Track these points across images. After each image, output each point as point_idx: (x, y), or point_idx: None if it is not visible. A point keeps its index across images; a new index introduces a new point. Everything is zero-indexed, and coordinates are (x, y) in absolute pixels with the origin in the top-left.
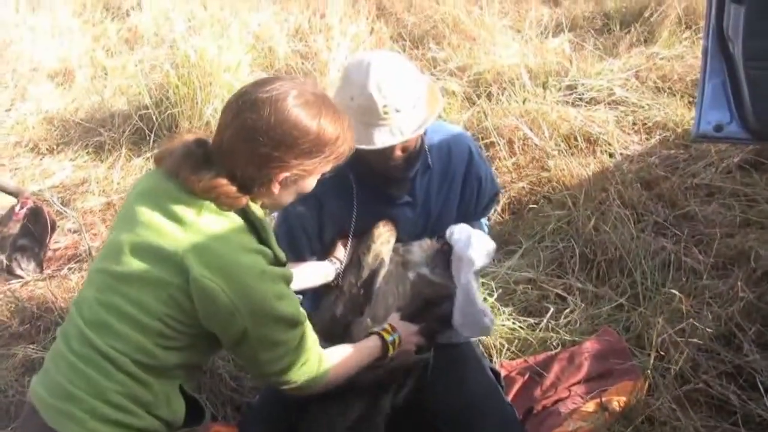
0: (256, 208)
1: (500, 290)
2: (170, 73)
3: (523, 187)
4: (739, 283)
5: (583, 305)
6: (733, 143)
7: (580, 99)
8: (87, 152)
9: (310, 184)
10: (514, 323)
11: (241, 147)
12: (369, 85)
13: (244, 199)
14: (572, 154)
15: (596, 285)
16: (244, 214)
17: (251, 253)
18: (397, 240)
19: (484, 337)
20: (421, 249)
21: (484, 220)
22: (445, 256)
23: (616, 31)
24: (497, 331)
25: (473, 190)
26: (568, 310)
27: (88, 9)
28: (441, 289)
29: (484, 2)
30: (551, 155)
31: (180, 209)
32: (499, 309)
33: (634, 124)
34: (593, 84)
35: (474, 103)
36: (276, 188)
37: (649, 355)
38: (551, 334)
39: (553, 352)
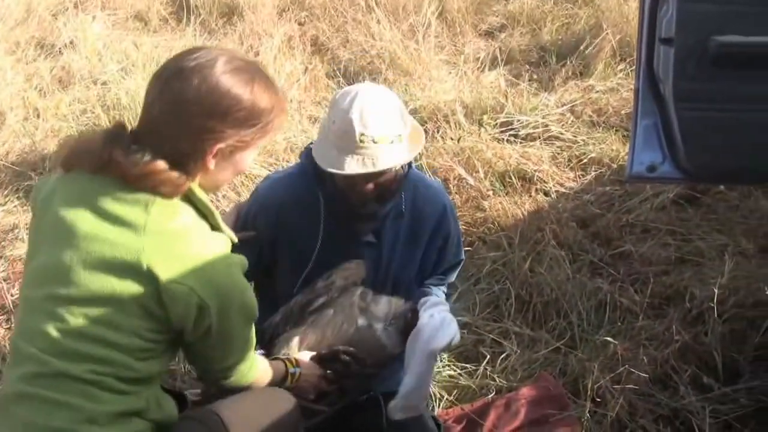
0: (199, 191)
1: None
2: (101, 117)
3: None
4: (674, 325)
5: (519, 350)
6: (667, 183)
7: (516, 136)
8: (17, 197)
9: (247, 159)
10: (452, 370)
11: (172, 120)
12: (351, 111)
13: (187, 183)
14: (507, 194)
15: (532, 328)
16: (189, 199)
17: (213, 243)
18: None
19: None
20: (389, 305)
21: (443, 289)
22: (406, 322)
23: (552, 64)
24: (435, 378)
25: (437, 248)
26: (504, 355)
27: (22, 46)
28: (380, 351)
29: (421, 37)
30: (486, 195)
31: (124, 211)
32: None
33: (570, 160)
34: (529, 120)
35: None
36: (211, 163)
37: (585, 401)
38: (488, 381)
39: (489, 399)
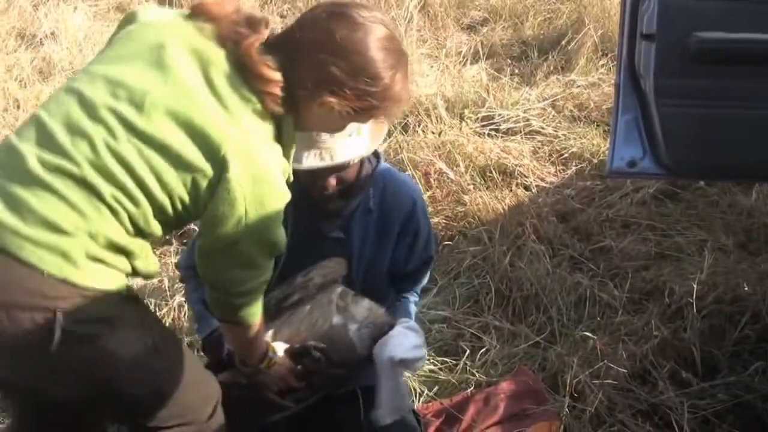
0: (289, 126)
1: None
2: None
3: (439, 223)
4: (653, 321)
5: (499, 345)
6: (647, 178)
7: (497, 130)
8: None
9: (339, 125)
10: (432, 365)
11: (312, 51)
12: None
13: (286, 109)
14: (488, 188)
15: (512, 322)
16: (278, 127)
17: (279, 171)
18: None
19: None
20: (368, 310)
21: (414, 301)
22: (381, 332)
23: (533, 59)
24: (419, 375)
25: (407, 244)
26: (484, 350)
27: (2, 37)
28: (350, 351)
29: (403, 30)
30: (467, 190)
31: (229, 94)
32: None
33: (551, 155)
34: (510, 114)
35: (389, 133)
36: (315, 108)
37: (564, 396)
38: (468, 375)
39: (468, 394)
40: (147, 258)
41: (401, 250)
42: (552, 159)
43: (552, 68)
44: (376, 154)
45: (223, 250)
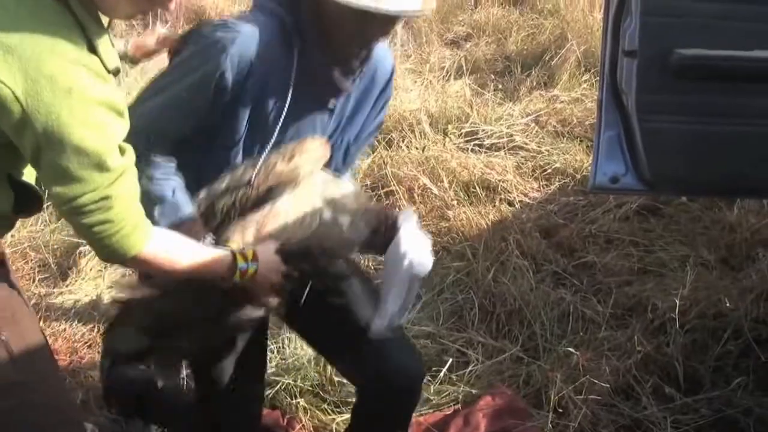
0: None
1: None
2: None
3: None
4: (636, 336)
5: (483, 360)
6: (630, 194)
7: (480, 146)
8: None
9: None
10: None
11: None
12: None
13: None
14: (472, 204)
15: (496, 338)
16: (69, 8)
17: (64, 63)
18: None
19: None
20: (356, 197)
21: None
22: (378, 220)
23: (517, 74)
24: None
25: (375, 111)
26: (468, 365)
27: None
28: (346, 246)
29: (387, 45)
30: (450, 205)
31: None
32: None
33: (534, 170)
34: (493, 130)
35: (373, 149)
36: None
37: (548, 412)
38: (451, 388)
39: (449, 411)
40: None
41: (372, 118)
42: (535, 174)
43: (535, 83)
44: None
45: (36, 161)
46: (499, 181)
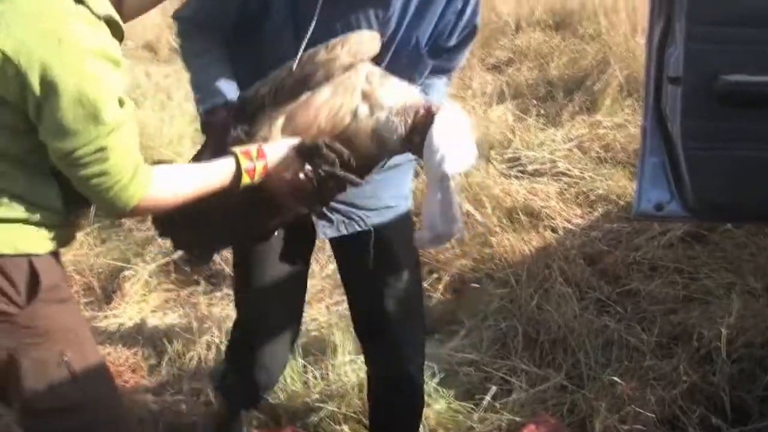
0: None
1: (442, 373)
2: None
3: (466, 264)
4: (682, 365)
5: (527, 387)
6: (674, 221)
7: (523, 171)
8: None
9: None
10: (458, 407)
11: None
12: None
13: None
14: (515, 230)
15: (540, 366)
16: None
17: (51, 16)
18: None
19: None
20: (400, 93)
21: (444, 82)
22: (416, 119)
23: (559, 99)
24: (439, 416)
25: (454, 11)
26: (512, 393)
27: None
28: (379, 146)
29: None
30: (494, 232)
31: None
32: (440, 393)
33: (577, 196)
34: (536, 155)
35: (416, 174)
36: None
37: None
38: (492, 415)
39: None
40: (37, 188)
41: (447, 18)
42: (579, 201)
43: (578, 108)
44: None
45: (39, 118)
46: (543, 207)
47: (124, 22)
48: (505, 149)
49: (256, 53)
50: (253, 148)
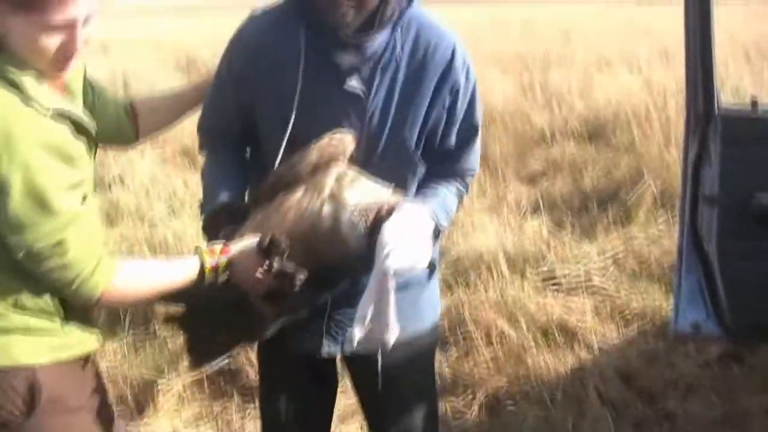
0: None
1: None
2: (147, 256)
3: (500, 382)
4: None
5: None
6: (711, 340)
7: (558, 286)
8: None
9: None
10: None
11: None
12: None
13: None
14: (549, 347)
15: None
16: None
17: (5, 114)
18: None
19: None
20: (368, 193)
21: (455, 191)
22: (376, 217)
23: (593, 211)
24: None
25: (445, 103)
26: None
27: None
28: (340, 247)
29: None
30: (528, 349)
31: None
32: None
33: (613, 313)
34: (571, 271)
35: (451, 289)
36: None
37: None
38: None
39: None
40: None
41: (437, 113)
42: (614, 317)
43: (612, 221)
44: None
45: None
46: (578, 324)
47: (142, 136)
48: (540, 263)
49: (261, 155)
50: (218, 245)
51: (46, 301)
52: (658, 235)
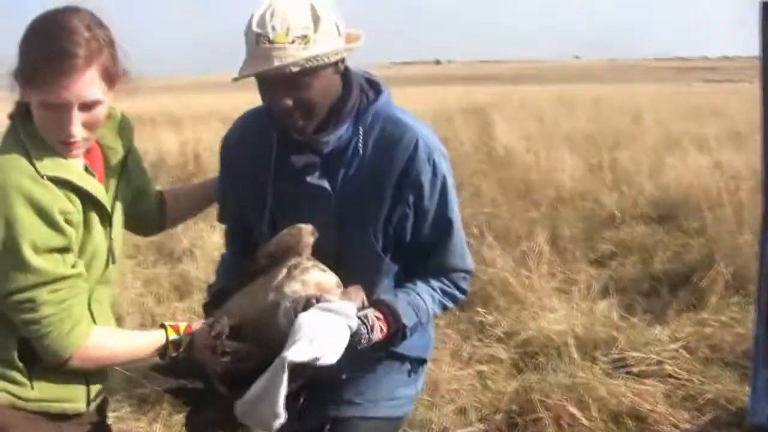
0: (28, 128)
1: None
2: None
3: None
4: None
5: None
6: None
7: (629, 372)
8: (129, 404)
9: (40, 115)
10: None
11: None
12: (255, 13)
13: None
14: None
15: None
16: (16, 129)
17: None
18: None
19: None
20: (309, 285)
21: (437, 287)
22: (305, 306)
23: (664, 295)
24: None
25: (408, 199)
26: None
27: (142, 251)
28: (276, 333)
29: (534, 264)
30: None
31: None
32: None
33: (685, 400)
34: (642, 356)
35: (520, 371)
36: (34, 110)
37: None
38: None
39: None
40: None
41: (401, 209)
42: (686, 405)
43: (683, 305)
44: (375, 87)
45: None
46: (650, 411)
47: (170, 226)
48: (610, 348)
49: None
50: (183, 323)
51: (9, 345)
52: (731, 321)
